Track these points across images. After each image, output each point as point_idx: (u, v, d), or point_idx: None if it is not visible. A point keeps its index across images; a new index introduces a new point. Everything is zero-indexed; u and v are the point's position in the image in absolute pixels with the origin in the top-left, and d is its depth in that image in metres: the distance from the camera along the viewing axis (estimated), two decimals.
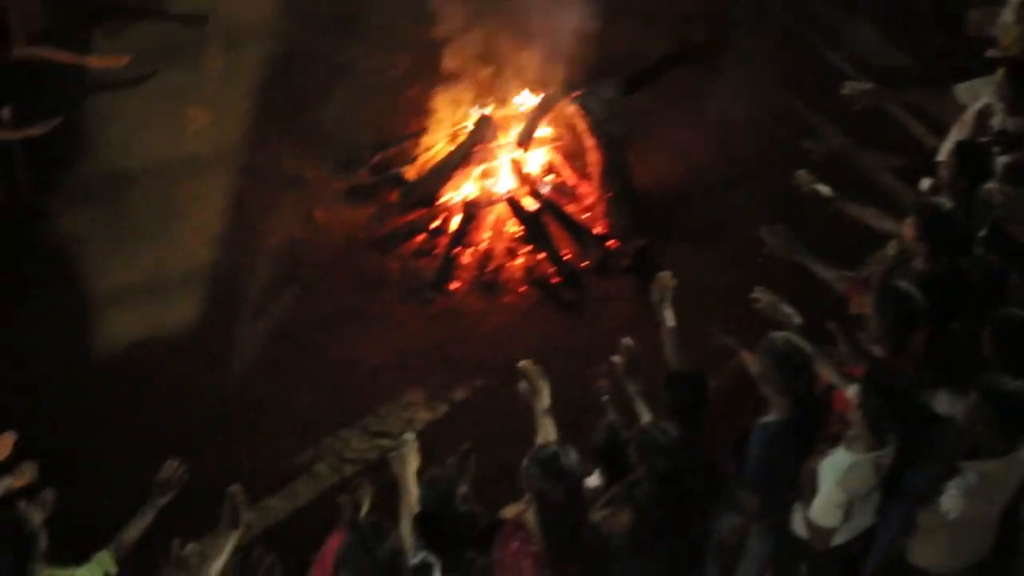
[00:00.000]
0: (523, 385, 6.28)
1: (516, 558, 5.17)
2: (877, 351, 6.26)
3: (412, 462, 5.89)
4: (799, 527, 6.04)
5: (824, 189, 7.65)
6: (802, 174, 7.68)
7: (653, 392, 6.24)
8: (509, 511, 5.50)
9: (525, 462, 5.27)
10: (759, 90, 10.83)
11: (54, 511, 5.92)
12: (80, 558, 5.66)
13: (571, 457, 5.30)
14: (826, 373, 6.20)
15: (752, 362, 6.13)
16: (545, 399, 6.21)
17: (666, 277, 6.80)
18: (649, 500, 5.38)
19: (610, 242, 9.40)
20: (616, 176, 9.38)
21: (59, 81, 10.29)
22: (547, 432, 6.08)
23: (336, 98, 10.66)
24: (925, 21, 11.34)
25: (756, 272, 7.80)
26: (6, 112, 9.23)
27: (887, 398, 5.51)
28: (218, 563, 5.64)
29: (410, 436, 6.05)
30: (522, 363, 6.32)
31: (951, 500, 5.66)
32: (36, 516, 5.70)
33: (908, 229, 6.83)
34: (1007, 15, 9.37)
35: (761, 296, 6.69)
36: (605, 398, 6.67)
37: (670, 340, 6.58)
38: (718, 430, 6.18)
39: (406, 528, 5.49)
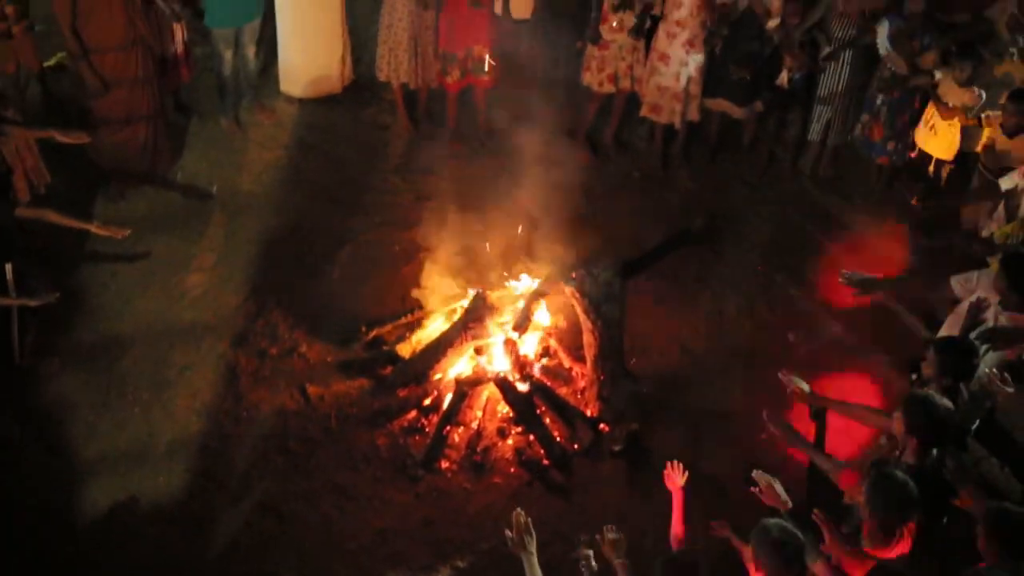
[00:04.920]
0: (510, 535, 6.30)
1: None
2: (867, 543, 6.20)
3: None
4: None
5: (805, 387, 7.75)
6: (784, 373, 7.81)
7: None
8: None
9: None
10: (755, 277, 10.94)
11: None
12: None
13: None
14: (818, 567, 6.13)
15: (745, 551, 6.09)
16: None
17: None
18: None
19: (602, 425, 9.33)
20: (610, 359, 9.36)
21: (59, 246, 10.40)
22: None
23: (334, 271, 10.74)
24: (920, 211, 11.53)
25: (748, 458, 7.82)
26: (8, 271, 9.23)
27: None
28: None
29: None
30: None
31: None
32: None
33: (897, 423, 6.85)
34: (999, 211, 9.56)
35: (759, 478, 6.70)
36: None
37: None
38: None
39: None
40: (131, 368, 9.73)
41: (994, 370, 7.39)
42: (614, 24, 11.60)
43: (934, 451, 6.80)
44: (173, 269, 10.63)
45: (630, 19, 11.53)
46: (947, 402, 6.84)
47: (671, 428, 9.40)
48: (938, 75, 10.87)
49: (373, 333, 10.00)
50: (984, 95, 10.49)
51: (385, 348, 9.91)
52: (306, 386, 9.61)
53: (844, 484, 7.01)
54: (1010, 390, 7.41)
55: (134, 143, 11.07)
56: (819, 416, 8.22)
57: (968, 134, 10.81)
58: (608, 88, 12.08)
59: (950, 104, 10.70)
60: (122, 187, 11.23)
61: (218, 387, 9.61)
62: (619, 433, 9.26)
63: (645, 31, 11.78)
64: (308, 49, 12.60)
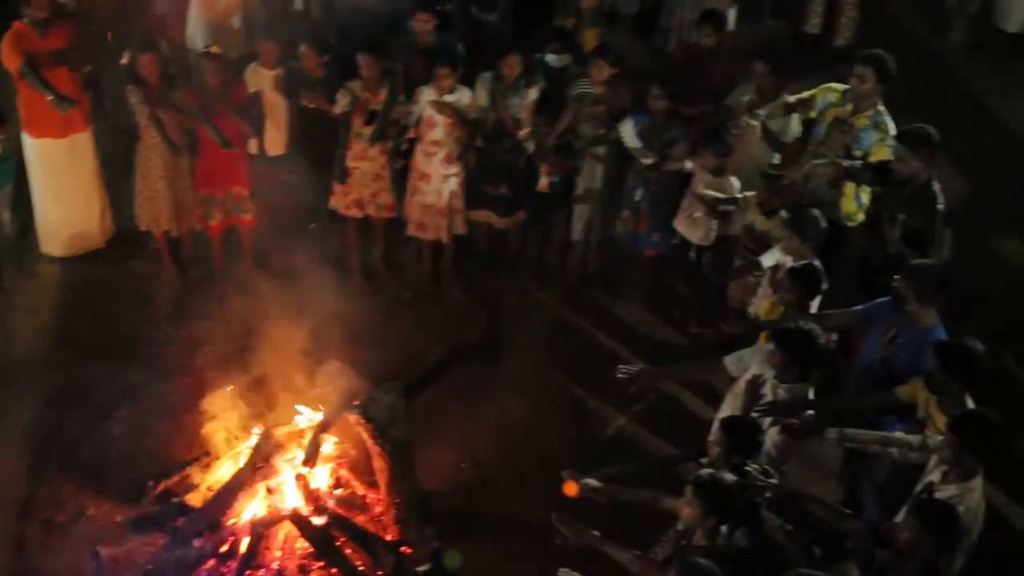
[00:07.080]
0: None
1: None
2: None
3: None
4: None
5: (592, 483, 7.89)
6: (566, 474, 7.96)
7: None
8: None
9: None
10: (538, 381, 11.12)
11: None
12: None
13: None
14: None
15: None
16: None
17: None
18: None
19: (403, 548, 9.32)
20: (403, 480, 9.40)
21: None
22: None
23: (115, 428, 10.52)
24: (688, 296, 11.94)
25: (549, 562, 7.91)
26: None
27: None
28: None
29: None
30: None
31: None
32: None
33: (687, 506, 7.01)
34: (764, 288, 9.92)
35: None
36: None
37: None
38: None
39: None
40: None
41: (754, 466, 7.60)
42: (357, 151, 11.75)
43: (723, 529, 6.99)
44: None
45: (373, 149, 11.73)
46: (732, 476, 7.07)
47: (474, 541, 9.42)
48: (689, 164, 11.25)
49: (161, 486, 9.79)
50: (736, 181, 10.90)
51: (175, 500, 9.72)
52: (98, 549, 9.35)
53: (645, 574, 7.14)
54: (773, 481, 7.67)
55: None
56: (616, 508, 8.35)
57: (727, 217, 11.19)
58: (355, 212, 12.17)
59: (704, 191, 11.03)
60: None
61: (5, 563, 9.29)
62: (422, 553, 9.27)
63: (403, 152, 12.00)
64: (64, 207, 12.41)
